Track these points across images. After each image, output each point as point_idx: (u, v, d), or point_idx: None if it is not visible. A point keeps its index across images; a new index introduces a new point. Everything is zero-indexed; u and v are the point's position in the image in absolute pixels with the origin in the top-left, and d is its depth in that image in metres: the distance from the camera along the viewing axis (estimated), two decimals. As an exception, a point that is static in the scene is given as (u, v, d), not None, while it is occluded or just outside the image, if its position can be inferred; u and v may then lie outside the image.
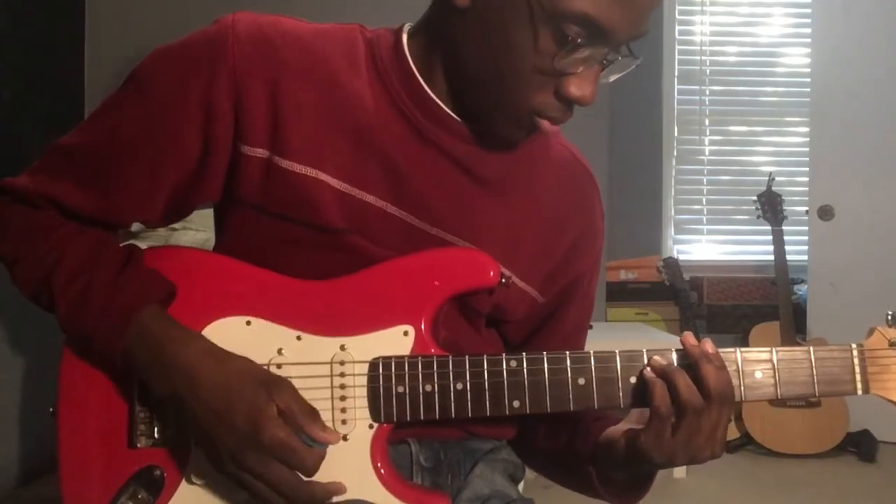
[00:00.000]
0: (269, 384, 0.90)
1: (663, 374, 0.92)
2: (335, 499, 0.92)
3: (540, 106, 0.94)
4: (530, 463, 1.20)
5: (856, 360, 0.95)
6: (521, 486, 1.19)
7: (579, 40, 0.88)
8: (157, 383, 0.93)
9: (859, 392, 0.95)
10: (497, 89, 0.94)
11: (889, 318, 0.96)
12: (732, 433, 3.71)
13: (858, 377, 0.95)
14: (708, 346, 0.93)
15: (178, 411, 0.93)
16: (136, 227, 1.65)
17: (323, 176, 0.98)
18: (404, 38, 1.02)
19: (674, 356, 0.94)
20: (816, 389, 0.95)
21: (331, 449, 0.92)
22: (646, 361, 0.94)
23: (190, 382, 0.90)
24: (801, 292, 3.95)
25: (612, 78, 0.96)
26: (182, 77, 0.97)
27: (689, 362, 0.93)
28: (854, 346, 0.96)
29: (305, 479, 0.89)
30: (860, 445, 3.59)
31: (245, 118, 0.96)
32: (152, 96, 0.98)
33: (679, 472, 3.35)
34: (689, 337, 0.95)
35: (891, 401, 0.96)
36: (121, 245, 1.02)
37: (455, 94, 1.00)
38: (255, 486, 0.89)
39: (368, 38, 1.03)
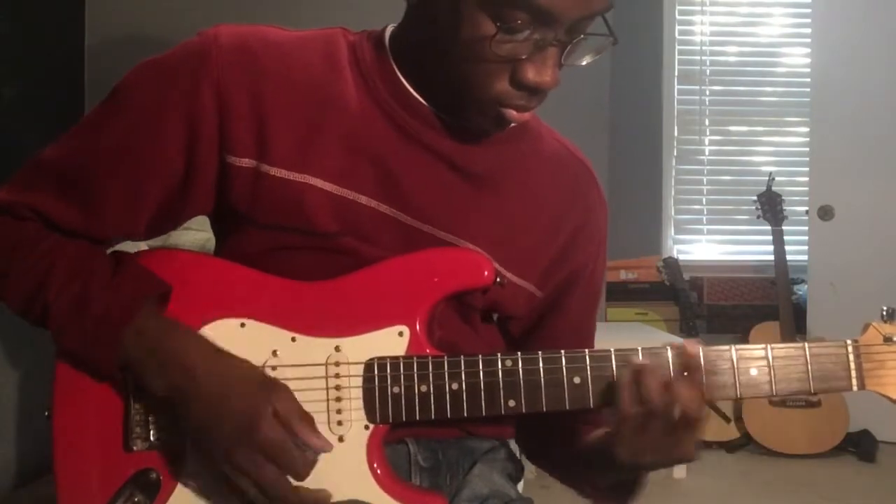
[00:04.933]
0: (267, 386, 0.90)
1: (634, 374, 0.91)
2: (329, 498, 0.92)
3: (501, 95, 0.93)
4: (538, 463, 1.20)
5: (850, 357, 0.95)
6: (520, 486, 1.19)
7: (519, 22, 0.87)
8: (154, 379, 0.92)
9: (855, 388, 0.95)
10: (456, 80, 0.94)
11: (884, 313, 0.96)
12: (732, 433, 3.72)
13: (854, 373, 0.95)
14: (695, 349, 0.92)
15: (174, 406, 0.92)
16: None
17: (312, 180, 0.97)
18: (387, 38, 1.02)
19: (640, 355, 0.93)
20: (812, 386, 0.95)
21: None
22: (641, 358, 0.93)
23: (188, 375, 0.90)
24: (801, 292, 3.94)
25: (585, 60, 0.95)
26: (164, 90, 0.96)
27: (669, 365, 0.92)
28: (849, 342, 0.96)
29: (294, 483, 0.89)
30: (860, 445, 3.58)
31: (230, 129, 0.96)
32: (134, 110, 0.97)
33: (679, 472, 3.34)
34: (691, 345, 0.93)
35: (887, 396, 0.95)
36: (109, 251, 1.02)
37: (433, 90, 1.00)
38: (244, 485, 0.89)
39: (351, 41, 1.03)
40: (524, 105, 0.95)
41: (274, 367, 0.94)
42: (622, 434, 0.91)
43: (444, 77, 0.96)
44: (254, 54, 0.98)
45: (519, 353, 0.94)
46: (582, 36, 0.91)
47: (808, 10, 3.92)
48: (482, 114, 0.96)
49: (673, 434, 0.90)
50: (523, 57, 0.89)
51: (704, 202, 4.29)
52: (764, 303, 4.08)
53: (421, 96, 1.00)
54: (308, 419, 0.90)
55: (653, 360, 0.93)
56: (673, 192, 4.23)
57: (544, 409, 0.94)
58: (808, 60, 3.99)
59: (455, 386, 0.93)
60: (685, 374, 0.92)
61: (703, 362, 0.93)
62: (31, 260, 0.96)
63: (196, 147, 0.97)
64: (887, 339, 0.95)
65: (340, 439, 0.93)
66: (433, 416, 0.93)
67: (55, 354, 0.97)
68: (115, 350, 0.92)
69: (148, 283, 0.96)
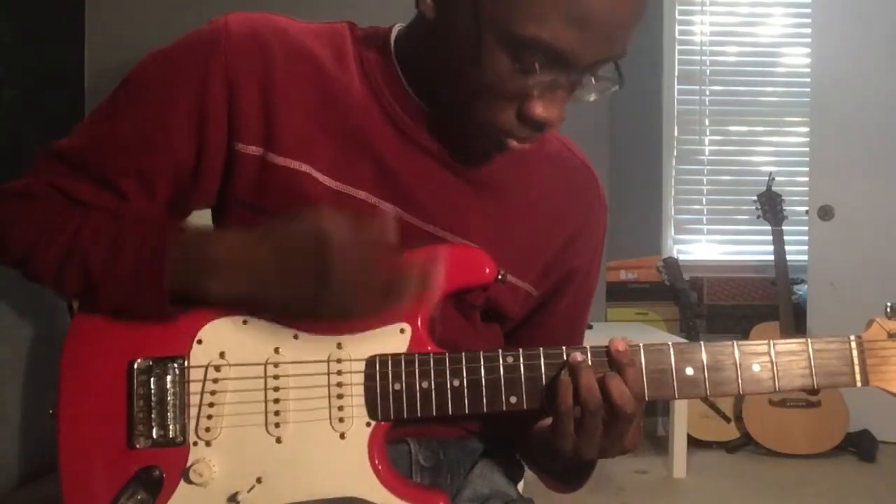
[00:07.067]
0: (309, 238, 0.87)
1: (572, 371, 0.91)
2: (330, 495, 0.93)
3: (505, 125, 0.93)
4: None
5: (854, 352, 0.95)
6: (520, 486, 1.19)
7: (536, 65, 0.86)
8: (213, 286, 0.91)
9: (858, 384, 0.94)
10: (463, 103, 0.94)
11: (888, 309, 0.95)
12: (732, 433, 3.72)
13: (857, 369, 0.94)
14: (621, 346, 0.92)
15: (248, 303, 0.92)
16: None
17: (314, 172, 0.98)
18: (392, 39, 1.03)
19: (588, 354, 0.93)
20: (815, 382, 0.94)
21: (328, 447, 0.93)
22: (643, 355, 0.93)
23: (247, 275, 0.90)
24: (801, 292, 3.94)
25: (592, 97, 0.94)
26: (175, 78, 0.97)
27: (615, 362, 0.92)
28: (852, 337, 0.95)
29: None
30: (860, 445, 3.59)
31: (238, 115, 0.96)
32: (147, 99, 0.98)
33: (679, 472, 3.35)
34: (617, 342, 0.93)
35: (891, 392, 0.95)
36: None
37: (435, 98, 1.00)
38: (377, 304, 0.89)
39: (358, 37, 1.04)
40: (528, 137, 0.95)
41: (276, 364, 0.93)
42: (560, 429, 0.92)
43: (449, 94, 0.96)
44: (264, 42, 0.98)
45: (520, 349, 0.94)
46: (593, 80, 0.91)
47: (808, 10, 3.93)
48: (484, 137, 0.97)
49: (609, 429, 0.90)
50: (534, 94, 0.89)
51: (704, 202, 4.29)
52: (764, 303, 4.08)
53: (423, 101, 1.00)
54: (355, 235, 0.87)
55: (594, 359, 0.93)
56: (673, 192, 4.23)
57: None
58: (808, 60, 3.99)
59: (456, 382, 0.93)
60: (615, 370, 0.91)
61: (643, 357, 0.93)
62: (59, 222, 0.95)
63: (206, 134, 0.97)
64: (891, 335, 0.95)
65: (342, 436, 0.93)
66: (434, 414, 0.93)
67: (68, 324, 0.97)
68: (163, 276, 0.91)
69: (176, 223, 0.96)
